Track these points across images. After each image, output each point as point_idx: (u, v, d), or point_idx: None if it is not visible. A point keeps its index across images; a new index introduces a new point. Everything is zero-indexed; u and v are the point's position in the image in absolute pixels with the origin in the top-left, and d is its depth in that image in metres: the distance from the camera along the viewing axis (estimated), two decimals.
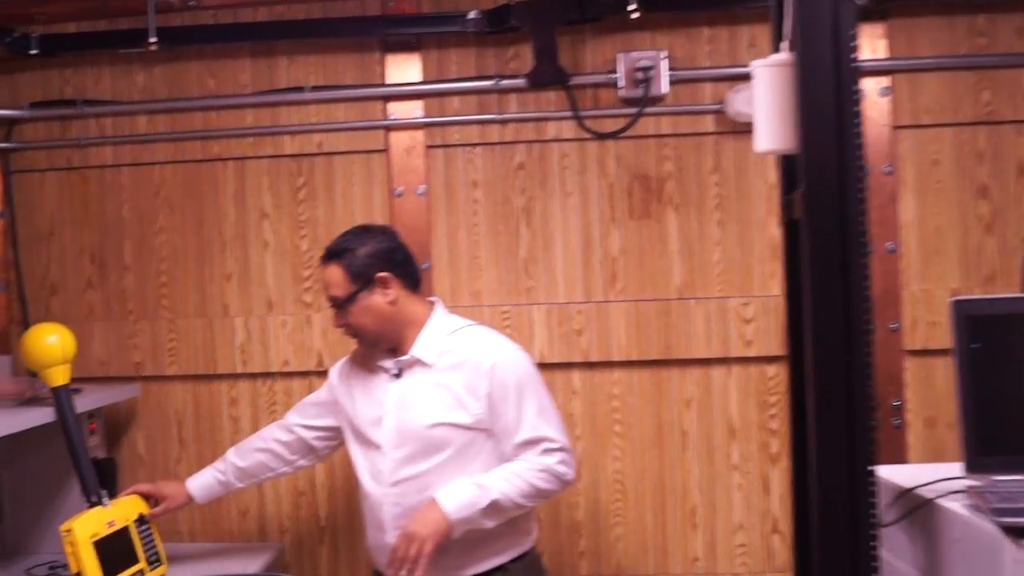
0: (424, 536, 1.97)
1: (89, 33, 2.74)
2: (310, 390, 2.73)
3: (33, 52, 2.69)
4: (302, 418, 2.36)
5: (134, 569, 2.27)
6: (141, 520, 2.36)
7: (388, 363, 2.17)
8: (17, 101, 2.82)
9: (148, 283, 2.81)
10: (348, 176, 2.73)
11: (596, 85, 2.64)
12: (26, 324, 2.81)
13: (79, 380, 2.68)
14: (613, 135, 2.58)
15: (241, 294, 2.78)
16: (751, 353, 2.61)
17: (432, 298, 2.24)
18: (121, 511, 2.32)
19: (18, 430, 2.32)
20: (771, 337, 2.59)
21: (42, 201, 2.86)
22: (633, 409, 2.65)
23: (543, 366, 2.62)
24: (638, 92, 2.58)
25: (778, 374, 2.61)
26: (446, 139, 2.68)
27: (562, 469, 2.09)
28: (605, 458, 2.66)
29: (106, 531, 2.24)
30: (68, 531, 2.16)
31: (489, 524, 2.03)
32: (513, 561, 2.13)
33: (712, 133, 2.63)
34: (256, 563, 2.53)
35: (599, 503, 2.67)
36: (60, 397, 2.36)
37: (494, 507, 2.01)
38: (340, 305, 2.12)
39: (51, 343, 2.34)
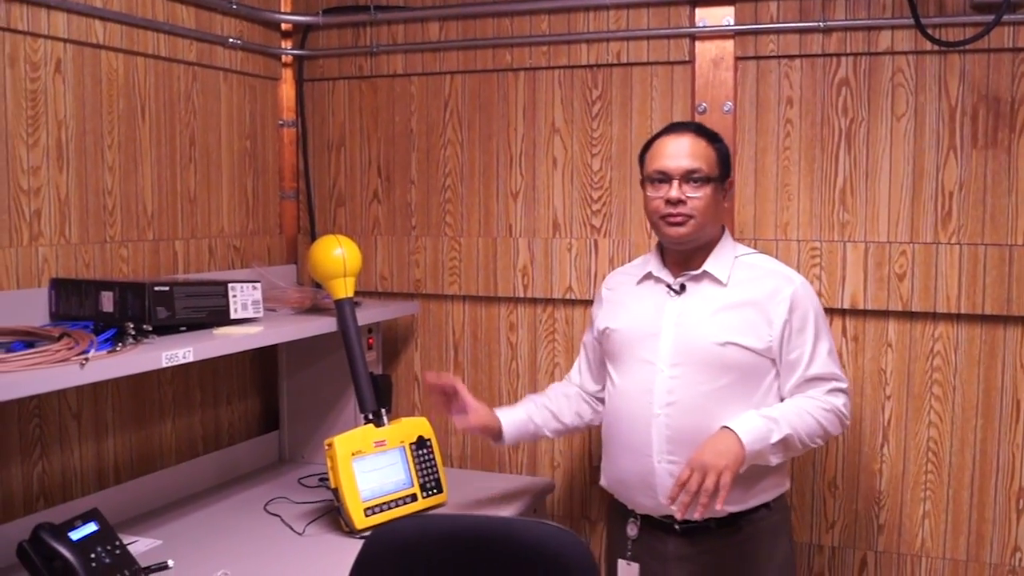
0: (721, 467, 2.00)
1: None
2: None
3: None
4: (579, 373, 2.52)
5: (404, 493, 2.47)
6: (421, 443, 2.53)
7: (669, 277, 2.26)
8: (313, 7, 3.06)
9: (432, 198, 3.02)
10: (647, 89, 2.77)
11: None
12: (313, 235, 3.10)
13: (360, 294, 2.92)
14: (959, 46, 2.42)
15: (527, 214, 2.92)
16: None
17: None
18: (397, 432, 2.52)
19: (300, 337, 2.58)
20: None
21: (333, 110, 3.13)
22: (957, 369, 2.56)
23: (854, 312, 2.59)
24: None
25: None
26: (759, 50, 2.65)
27: (846, 412, 2.19)
28: (919, 423, 2.58)
29: (372, 450, 2.43)
30: (329, 445, 2.41)
31: (774, 460, 2.11)
32: (775, 500, 2.23)
33: None
34: (525, 498, 2.68)
35: (906, 473, 2.62)
36: (343, 309, 2.58)
37: (783, 443, 2.08)
38: (700, 182, 2.17)
39: (337, 255, 2.57)
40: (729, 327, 2.15)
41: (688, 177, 2.17)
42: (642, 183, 2.27)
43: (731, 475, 1.99)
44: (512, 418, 2.43)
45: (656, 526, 2.22)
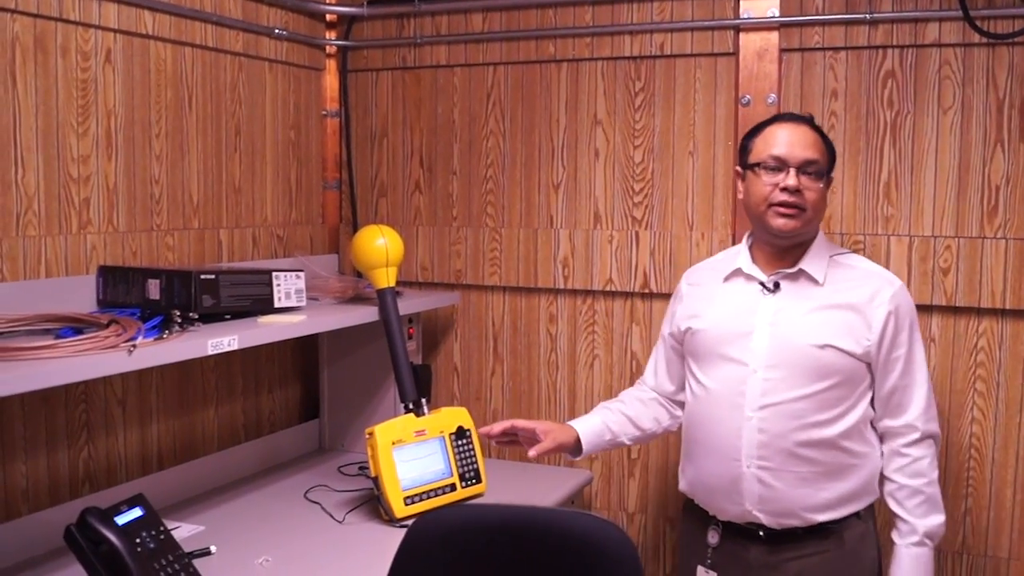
0: None
1: None
2: (631, 313, 2.81)
3: None
4: (655, 375, 2.42)
5: (444, 482, 2.46)
6: (460, 434, 2.52)
7: (762, 274, 2.16)
8: None
9: (474, 189, 3.01)
10: (690, 81, 2.74)
11: None
12: (355, 225, 3.10)
13: (401, 284, 2.92)
14: (1008, 39, 2.37)
15: (568, 205, 2.90)
16: None
17: None
18: (437, 422, 2.51)
19: (342, 326, 2.58)
20: None
21: (377, 101, 3.13)
22: (1002, 366, 2.51)
23: None
24: None
25: None
26: (804, 42, 2.61)
27: (930, 463, 2.14)
28: (961, 419, 2.54)
29: (412, 439, 2.42)
30: (370, 434, 2.40)
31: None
32: (866, 509, 2.15)
33: None
34: (563, 489, 2.68)
35: (948, 470, 2.57)
36: (385, 299, 2.58)
37: (935, 534, 2.12)
38: (817, 174, 2.09)
39: (380, 245, 2.57)
40: (827, 329, 2.07)
41: (805, 168, 2.07)
42: (744, 170, 2.17)
43: None
44: (588, 427, 2.32)
45: (739, 533, 2.14)
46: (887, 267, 2.51)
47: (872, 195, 2.57)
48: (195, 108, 2.59)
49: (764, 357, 2.08)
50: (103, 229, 2.32)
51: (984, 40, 2.41)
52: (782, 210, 2.07)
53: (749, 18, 2.63)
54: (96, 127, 2.29)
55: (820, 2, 2.57)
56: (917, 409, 2.10)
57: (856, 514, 2.11)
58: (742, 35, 2.65)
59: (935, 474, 2.11)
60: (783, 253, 2.15)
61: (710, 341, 2.17)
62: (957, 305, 2.50)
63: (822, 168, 2.10)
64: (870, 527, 2.16)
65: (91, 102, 2.28)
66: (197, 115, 2.60)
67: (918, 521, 2.08)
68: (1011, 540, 2.52)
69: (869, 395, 2.11)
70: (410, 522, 1.83)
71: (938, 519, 2.10)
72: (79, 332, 1.95)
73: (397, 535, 1.80)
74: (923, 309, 2.53)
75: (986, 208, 2.47)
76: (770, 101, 2.61)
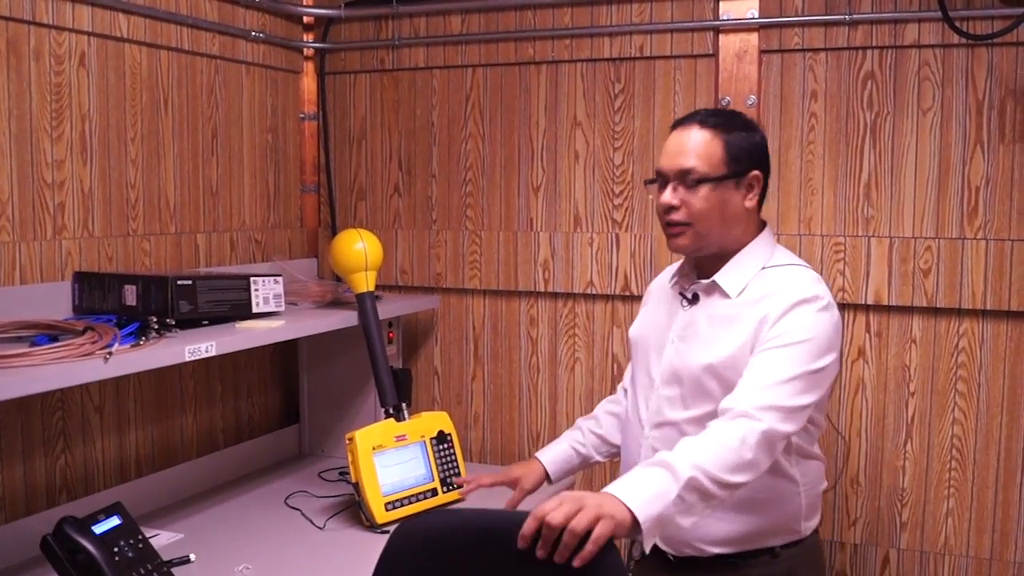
0: (597, 514, 1.51)
1: None
2: (612, 316, 2.82)
3: None
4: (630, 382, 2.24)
5: (425, 487, 2.47)
6: (441, 438, 2.53)
7: (687, 285, 2.02)
8: (335, 0, 3.09)
9: (453, 192, 3.02)
10: (669, 83, 2.76)
11: None
12: (333, 228, 3.11)
13: (381, 287, 2.93)
14: (987, 39, 2.39)
15: (548, 208, 2.91)
16: None
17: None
18: (418, 427, 2.52)
19: (321, 331, 2.59)
20: None
21: (355, 103, 3.14)
22: (983, 366, 2.54)
23: (878, 308, 2.57)
24: None
25: None
26: (784, 43, 2.63)
27: (753, 440, 1.70)
28: (942, 420, 2.57)
29: (393, 444, 2.43)
30: (350, 439, 2.41)
31: (686, 521, 1.64)
32: (785, 547, 1.94)
33: None
34: (545, 492, 2.64)
35: (930, 471, 2.59)
36: (364, 303, 2.58)
37: (692, 488, 1.62)
38: (693, 183, 1.88)
39: (359, 249, 2.58)
40: (723, 346, 1.87)
41: (682, 178, 1.89)
42: None
43: (608, 530, 1.49)
44: (554, 456, 2.25)
45: (654, 554, 1.98)
46: (868, 268, 2.55)
47: (852, 196, 2.59)
48: (171, 112, 2.59)
49: (664, 373, 1.96)
50: (78, 234, 2.32)
51: (963, 41, 2.44)
52: (669, 229, 1.94)
53: (728, 19, 2.64)
54: (70, 131, 2.29)
55: (799, 3, 2.59)
56: (748, 388, 1.77)
57: (771, 551, 1.92)
58: (722, 36, 2.66)
59: (736, 445, 1.68)
60: (708, 264, 1.98)
61: (636, 352, 2.10)
62: (938, 306, 2.52)
63: (704, 174, 1.87)
64: (792, 568, 1.94)
65: (65, 106, 2.27)
66: (173, 119, 2.60)
67: (666, 454, 1.67)
68: (993, 541, 2.54)
69: None
70: (391, 528, 1.83)
71: (715, 468, 1.64)
72: (54, 339, 1.94)
73: (378, 541, 1.80)
74: (904, 310, 2.56)
75: (966, 209, 2.50)
76: (750, 103, 2.63)
